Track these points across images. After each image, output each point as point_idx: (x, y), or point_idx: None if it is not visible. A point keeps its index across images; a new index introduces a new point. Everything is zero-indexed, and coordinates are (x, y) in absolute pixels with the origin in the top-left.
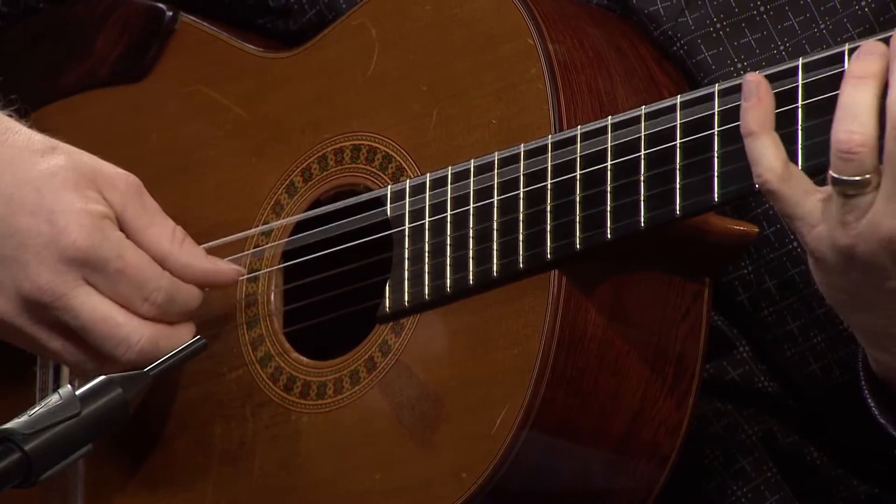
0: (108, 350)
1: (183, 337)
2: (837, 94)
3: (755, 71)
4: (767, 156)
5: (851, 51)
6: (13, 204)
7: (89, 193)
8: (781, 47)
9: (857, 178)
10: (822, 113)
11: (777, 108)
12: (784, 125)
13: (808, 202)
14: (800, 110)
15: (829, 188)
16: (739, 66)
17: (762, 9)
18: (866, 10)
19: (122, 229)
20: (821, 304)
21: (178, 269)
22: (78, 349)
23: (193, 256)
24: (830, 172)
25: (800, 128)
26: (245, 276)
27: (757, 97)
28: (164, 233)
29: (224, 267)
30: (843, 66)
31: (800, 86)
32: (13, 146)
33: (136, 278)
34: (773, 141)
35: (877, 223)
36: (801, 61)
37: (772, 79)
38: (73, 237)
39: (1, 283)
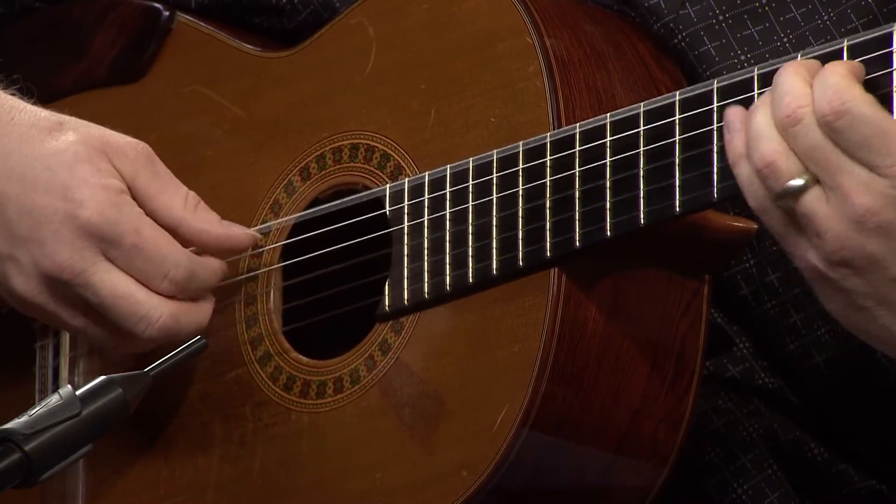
0: (128, 327)
1: (204, 313)
2: None
3: (757, 63)
4: (754, 178)
5: (850, 47)
6: (26, 182)
7: (102, 166)
8: (784, 39)
9: (791, 183)
10: None
11: None
12: None
13: (789, 222)
14: None
15: None
16: (742, 57)
17: (764, 0)
18: (869, 0)
19: (133, 198)
20: None
21: (192, 235)
22: (100, 326)
23: (207, 222)
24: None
25: None
26: (245, 275)
27: (741, 124)
28: (177, 199)
29: (238, 232)
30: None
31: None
32: (20, 124)
33: (153, 254)
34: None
35: (841, 215)
36: (800, 56)
37: (772, 74)
38: (89, 212)
39: (20, 262)
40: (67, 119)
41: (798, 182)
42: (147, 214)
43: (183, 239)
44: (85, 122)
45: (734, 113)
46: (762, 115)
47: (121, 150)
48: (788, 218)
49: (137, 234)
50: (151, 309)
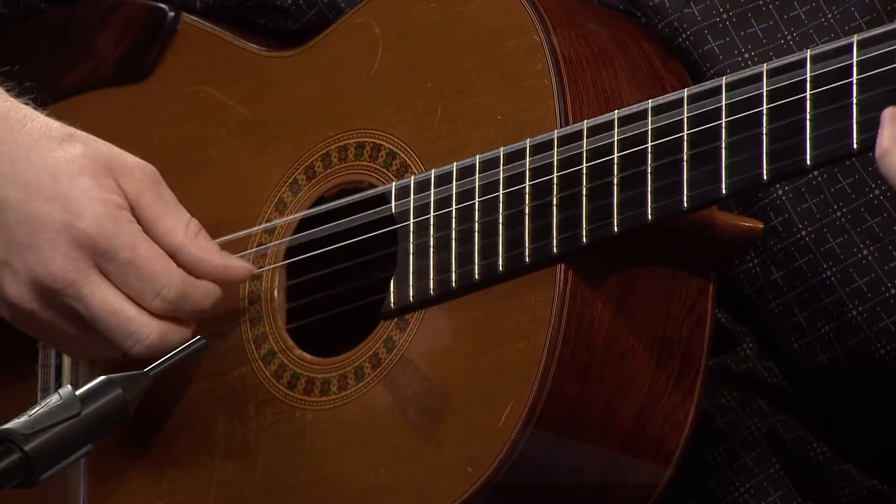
0: (117, 342)
1: (192, 329)
2: (844, 84)
3: (761, 61)
4: None
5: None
6: (29, 190)
7: (105, 182)
8: (788, 37)
9: None
10: (829, 102)
11: (786, 99)
12: (793, 114)
13: None
14: (808, 100)
15: None
16: (746, 56)
17: None
18: None
19: (136, 219)
20: (828, 294)
21: (190, 263)
22: (89, 338)
23: (206, 250)
24: None
25: (808, 118)
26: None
27: (893, 121)
28: (179, 224)
29: (236, 263)
30: (851, 58)
31: (808, 78)
32: (30, 133)
33: (147, 272)
34: None
35: None
36: (808, 53)
37: (781, 71)
38: (86, 224)
39: (15, 268)
40: (78, 132)
41: None
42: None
43: (180, 265)
44: (95, 138)
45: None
46: None
47: (127, 170)
48: None
49: (133, 249)
50: (141, 327)
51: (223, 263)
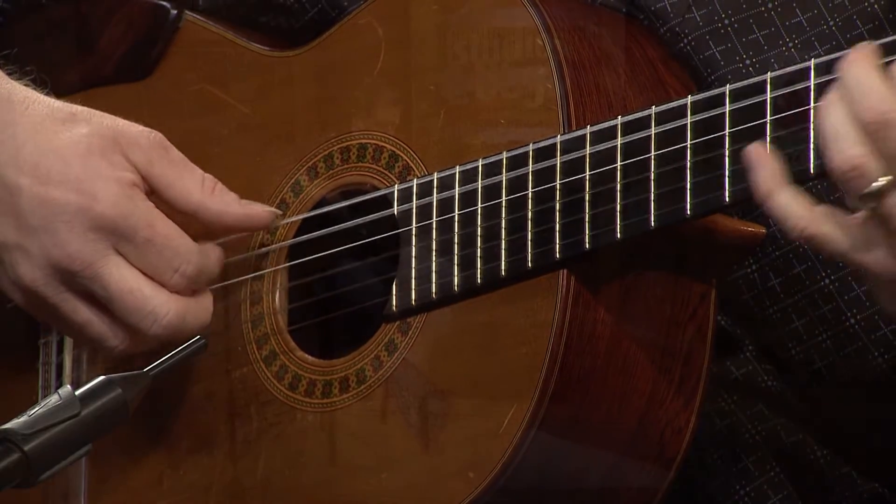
0: (134, 322)
1: (208, 312)
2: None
3: (762, 68)
4: (792, 206)
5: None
6: (39, 174)
7: (115, 159)
8: (790, 44)
9: (875, 185)
10: (791, 124)
11: (790, 108)
12: (797, 124)
13: (849, 233)
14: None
15: (860, 213)
16: (748, 62)
17: (770, 5)
18: (875, 6)
19: (150, 187)
20: (826, 302)
21: (213, 218)
22: (104, 321)
23: (226, 203)
24: (850, 200)
25: (811, 128)
26: (251, 275)
27: (760, 162)
28: (194, 184)
29: (259, 210)
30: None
31: (812, 86)
32: (34, 115)
33: (165, 248)
34: (791, 194)
35: None
36: (812, 62)
37: (784, 79)
38: (103, 206)
39: (29, 251)
40: (81, 110)
41: (882, 182)
42: (165, 202)
43: (203, 222)
44: (98, 113)
45: (753, 153)
46: (838, 113)
47: (134, 141)
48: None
49: (150, 227)
50: (159, 305)
51: (245, 212)
